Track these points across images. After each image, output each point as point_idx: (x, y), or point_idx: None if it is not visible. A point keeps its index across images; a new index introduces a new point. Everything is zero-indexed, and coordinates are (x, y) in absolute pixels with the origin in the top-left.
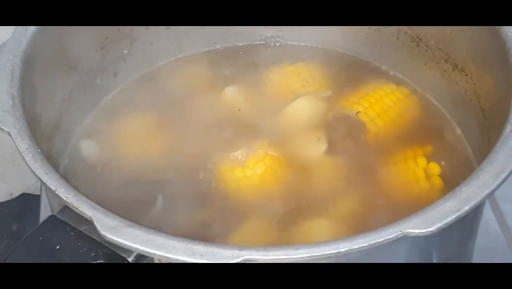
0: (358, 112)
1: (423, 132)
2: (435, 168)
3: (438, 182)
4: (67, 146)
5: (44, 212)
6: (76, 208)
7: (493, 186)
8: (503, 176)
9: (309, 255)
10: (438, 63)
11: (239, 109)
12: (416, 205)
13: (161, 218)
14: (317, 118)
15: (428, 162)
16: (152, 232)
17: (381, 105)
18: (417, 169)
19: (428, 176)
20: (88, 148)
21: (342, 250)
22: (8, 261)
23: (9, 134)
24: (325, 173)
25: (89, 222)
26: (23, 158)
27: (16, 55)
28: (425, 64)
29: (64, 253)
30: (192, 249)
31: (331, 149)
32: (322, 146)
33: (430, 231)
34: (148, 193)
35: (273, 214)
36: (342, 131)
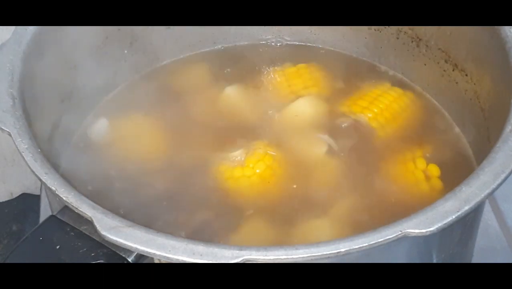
0: (368, 117)
1: (423, 132)
2: (434, 170)
3: (437, 183)
4: (67, 146)
5: (44, 212)
6: (76, 208)
7: (493, 186)
8: (503, 176)
9: (309, 255)
10: (438, 63)
11: (240, 109)
12: (415, 207)
13: (161, 217)
14: (318, 119)
15: (428, 163)
16: (152, 232)
17: (390, 112)
18: (417, 171)
19: (427, 178)
20: (100, 127)
21: (342, 250)
22: (8, 261)
23: (9, 134)
24: (325, 173)
25: (89, 222)
26: (23, 158)
27: (16, 55)
28: (425, 64)
29: (64, 253)
30: (192, 249)
31: (332, 150)
32: (323, 147)
33: (430, 231)
34: (148, 193)
35: (273, 213)
36: (345, 134)
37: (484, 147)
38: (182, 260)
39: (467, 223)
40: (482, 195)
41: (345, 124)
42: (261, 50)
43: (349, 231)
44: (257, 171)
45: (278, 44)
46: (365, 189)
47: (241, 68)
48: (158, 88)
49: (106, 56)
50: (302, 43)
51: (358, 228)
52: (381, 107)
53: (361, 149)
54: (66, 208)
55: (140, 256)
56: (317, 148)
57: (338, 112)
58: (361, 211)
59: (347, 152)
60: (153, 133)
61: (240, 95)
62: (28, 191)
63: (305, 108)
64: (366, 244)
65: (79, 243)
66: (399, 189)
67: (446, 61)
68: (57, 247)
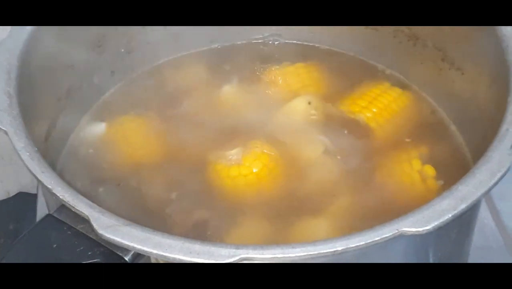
0: (367, 117)
1: (419, 131)
2: (429, 171)
3: (433, 184)
4: (64, 145)
5: (41, 211)
6: (73, 207)
7: (489, 185)
8: (499, 175)
9: (305, 253)
10: (435, 62)
11: (237, 109)
12: (412, 207)
13: (158, 216)
14: (316, 119)
15: (424, 162)
16: (148, 231)
17: (389, 112)
18: (412, 172)
19: (423, 179)
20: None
21: (339, 248)
22: (4, 261)
23: (6, 133)
24: (322, 173)
25: (86, 221)
26: (20, 157)
27: (13, 54)
28: (422, 63)
29: (61, 252)
30: (189, 247)
31: (329, 149)
32: (320, 146)
33: (427, 229)
34: (145, 192)
35: (270, 212)
36: (342, 133)
37: (480, 145)
38: (178, 258)
39: (464, 221)
40: (479, 194)
41: (343, 123)
42: (259, 49)
43: (346, 230)
44: (254, 170)
45: (276, 43)
46: (361, 189)
47: (239, 67)
48: (155, 87)
49: (103, 55)
50: (300, 42)
51: (355, 228)
52: (380, 107)
53: (358, 149)
54: (63, 207)
55: (137, 254)
56: (314, 147)
57: (337, 111)
58: (357, 210)
59: (344, 152)
60: (150, 133)
61: (238, 94)
62: (25, 190)
63: (302, 107)
64: (363, 243)
65: (76, 242)
66: (395, 190)
67: (442, 60)
68: (54, 246)
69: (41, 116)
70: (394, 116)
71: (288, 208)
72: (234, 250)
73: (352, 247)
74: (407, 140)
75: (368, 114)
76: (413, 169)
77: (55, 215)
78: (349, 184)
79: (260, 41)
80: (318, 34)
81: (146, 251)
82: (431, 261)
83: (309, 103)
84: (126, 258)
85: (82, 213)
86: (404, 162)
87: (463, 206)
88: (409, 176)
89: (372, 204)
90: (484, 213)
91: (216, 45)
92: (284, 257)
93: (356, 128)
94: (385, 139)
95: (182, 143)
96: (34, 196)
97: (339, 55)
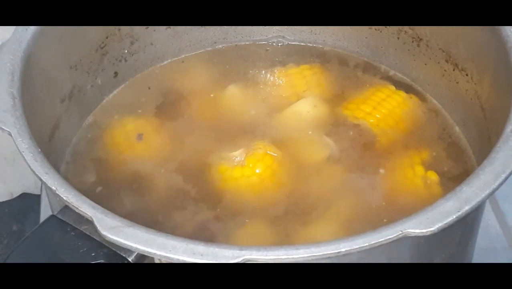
0: (370, 123)
1: (423, 134)
2: (433, 177)
3: (437, 190)
4: (67, 146)
5: (44, 212)
6: (77, 208)
7: (494, 186)
8: (503, 176)
9: (309, 255)
10: (439, 63)
11: (240, 110)
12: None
13: (161, 217)
14: (320, 122)
15: (428, 165)
16: (152, 232)
17: (393, 117)
18: (416, 178)
19: (427, 185)
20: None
21: (343, 250)
22: (8, 261)
23: (10, 134)
24: (324, 176)
25: (89, 222)
26: (24, 158)
27: (16, 55)
28: (425, 64)
29: (64, 253)
30: (193, 249)
31: (332, 153)
32: (323, 149)
33: (431, 231)
34: (148, 193)
35: (273, 214)
36: (346, 137)
37: (484, 146)
38: (182, 260)
39: (468, 223)
40: (483, 195)
41: (347, 128)
42: (261, 50)
43: (348, 233)
44: (257, 171)
45: (279, 45)
46: (365, 193)
47: (242, 68)
48: (158, 88)
49: (106, 56)
50: (303, 43)
51: (357, 231)
52: (384, 112)
53: (362, 153)
54: (67, 208)
55: (141, 256)
56: (317, 150)
57: (341, 115)
58: (361, 215)
59: (348, 156)
60: (153, 134)
61: (241, 95)
62: (28, 191)
63: (307, 109)
64: (367, 244)
65: (79, 243)
66: (398, 196)
67: (446, 61)
68: (58, 247)
69: (44, 117)
70: (398, 121)
71: (291, 210)
72: (237, 251)
73: (356, 248)
74: (412, 145)
75: (372, 120)
76: (416, 175)
77: (58, 216)
78: (353, 188)
79: (263, 42)
80: (321, 36)
81: (150, 252)
82: (435, 262)
83: (315, 106)
84: (130, 259)
85: (86, 214)
86: (407, 167)
87: (467, 208)
88: (412, 182)
89: (376, 210)
90: (488, 214)
91: (220, 46)
92: (287, 258)
93: (360, 133)
94: (388, 145)
95: (186, 144)
96: (38, 197)
97: (343, 56)
